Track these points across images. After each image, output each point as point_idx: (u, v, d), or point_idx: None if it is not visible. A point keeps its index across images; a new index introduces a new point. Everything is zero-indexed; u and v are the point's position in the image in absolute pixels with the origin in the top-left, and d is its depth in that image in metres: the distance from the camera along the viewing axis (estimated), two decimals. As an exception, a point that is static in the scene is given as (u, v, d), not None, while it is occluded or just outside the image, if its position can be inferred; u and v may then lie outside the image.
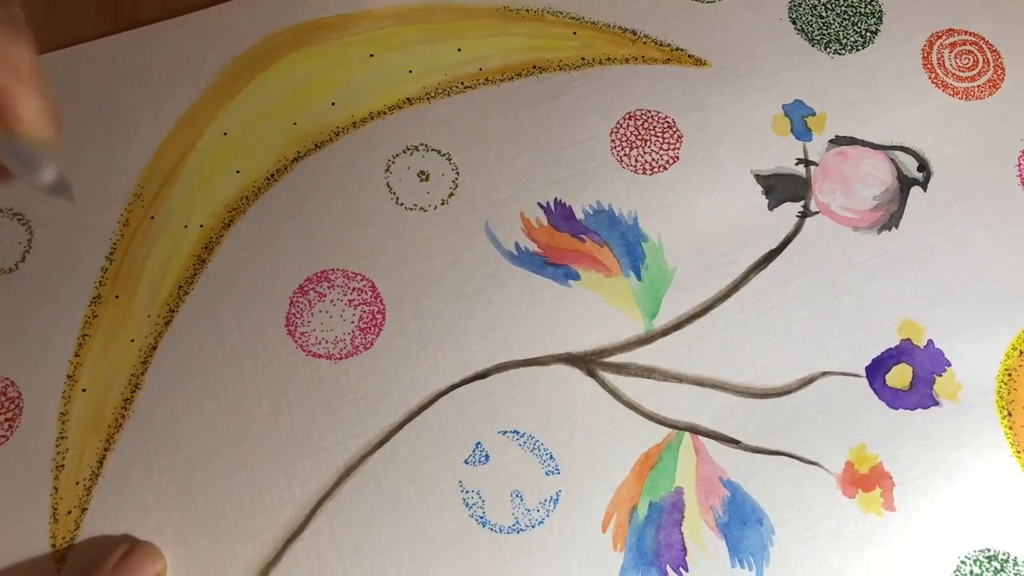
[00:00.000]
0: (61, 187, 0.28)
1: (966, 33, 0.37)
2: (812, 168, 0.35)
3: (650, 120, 0.35)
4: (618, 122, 0.35)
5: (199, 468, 0.30)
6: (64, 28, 0.32)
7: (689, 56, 0.36)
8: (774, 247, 0.33)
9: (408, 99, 0.35)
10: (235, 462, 0.30)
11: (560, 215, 0.33)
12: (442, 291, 0.32)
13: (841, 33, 0.36)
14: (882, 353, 0.32)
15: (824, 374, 0.32)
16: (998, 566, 0.30)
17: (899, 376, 0.32)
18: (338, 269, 0.32)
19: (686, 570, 0.30)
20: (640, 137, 0.35)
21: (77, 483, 0.29)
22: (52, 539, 0.29)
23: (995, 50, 0.37)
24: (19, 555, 0.28)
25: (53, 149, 0.23)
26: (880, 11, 0.37)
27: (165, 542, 0.29)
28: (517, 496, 0.30)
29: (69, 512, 0.29)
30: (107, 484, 0.29)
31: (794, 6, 0.37)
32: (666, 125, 0.35)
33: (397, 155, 0.34)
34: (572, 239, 0.33)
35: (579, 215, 0.33)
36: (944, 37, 0.37)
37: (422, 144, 0.34)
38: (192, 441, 0.30)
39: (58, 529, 0.29)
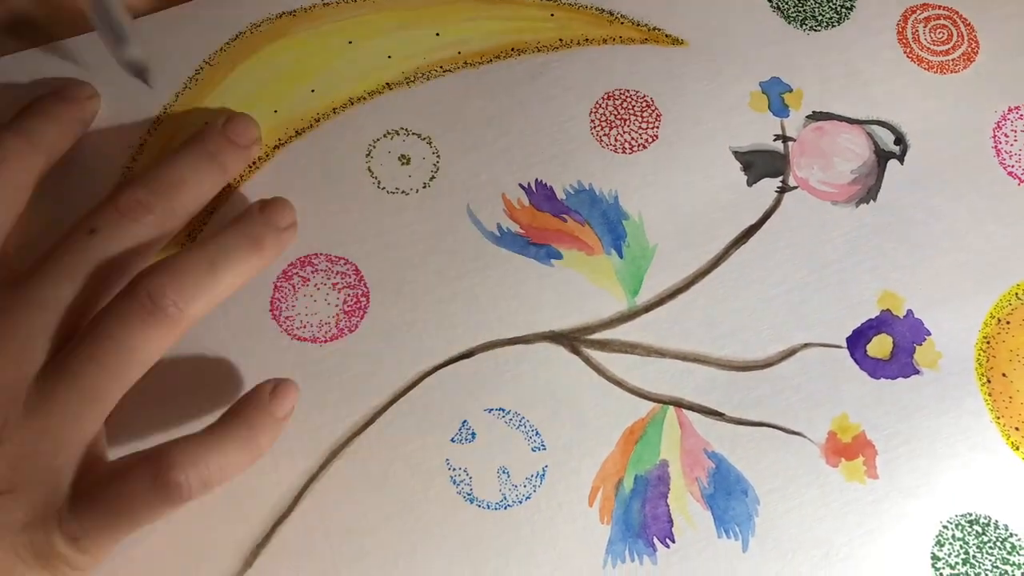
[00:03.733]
0: (141, 68, 0.31)
1: (940, 8, 0.37)
2: (790, 144, 0.35)
3: (629, 100, 0.35)
4: (597, 102, 0.35)
5: (187, 453, 0.30)
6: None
7: (666, 36, 0.36)
8: (753, 222, 0.34)
9: (388, 84, 0.35)
10: (222, 446, 0.30)
11: (541, 195, 0.34)
12: (425, 273, 0.32)
13: (816, 10, 0.37)
14: (862, 324, 0.33)
15: (805, 346, 0.32)
16: (980, 530, 0.30)
17: (880, 346, 0.32)
18: (321, 254, 0.32)
19: (673, 541, 0.30)
20: (619, 117, 0.35)
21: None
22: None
23: (968, 24, 0.37)
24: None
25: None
26: (854, -13, 0.37)
27: (153, 526, 0.29)
28: (504, 472, 0.30)
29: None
30: (95, 471, 0.29)
31: (769, -16, 0.37)
32: (645, 104, 0.35)
33: (378, 140, 0.34)
34: (554, 219, 0.33)
35: (560, 195, 0.34)
36: (919, 12, 0.37)
37: (402, 128, 0.34)
38: (180, 427, 0.30)
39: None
